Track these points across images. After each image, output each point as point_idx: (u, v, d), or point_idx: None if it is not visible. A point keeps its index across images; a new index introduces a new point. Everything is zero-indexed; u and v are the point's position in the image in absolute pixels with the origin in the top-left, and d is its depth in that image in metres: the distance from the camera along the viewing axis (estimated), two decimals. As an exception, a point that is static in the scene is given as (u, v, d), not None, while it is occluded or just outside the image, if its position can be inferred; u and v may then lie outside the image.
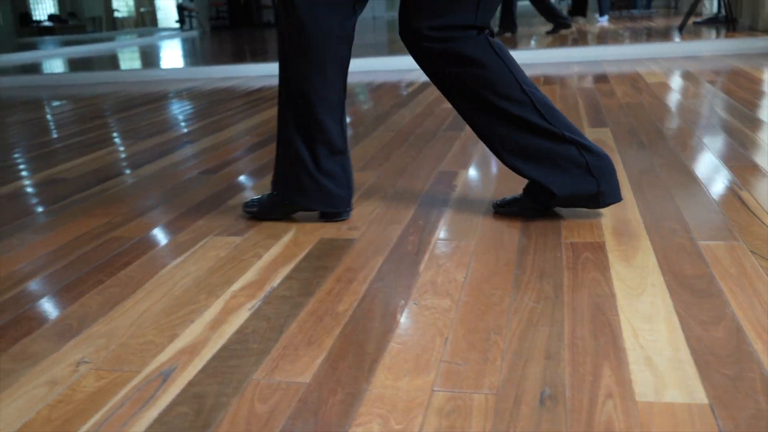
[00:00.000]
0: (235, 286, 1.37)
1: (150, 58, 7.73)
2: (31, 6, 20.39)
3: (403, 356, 1.07)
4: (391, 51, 5.94)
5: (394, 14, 14.96)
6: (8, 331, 1.24)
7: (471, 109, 1.59)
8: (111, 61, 7.59)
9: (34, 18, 20.08)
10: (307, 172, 1.65)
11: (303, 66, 1.59)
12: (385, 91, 3.89)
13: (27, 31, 19.60)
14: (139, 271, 1.48)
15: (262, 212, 1.75)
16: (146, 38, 11.78)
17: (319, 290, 1.33)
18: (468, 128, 2.69)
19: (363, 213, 1.77)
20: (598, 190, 1.57)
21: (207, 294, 1.34)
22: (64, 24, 20.21)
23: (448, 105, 3.26)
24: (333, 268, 1.43)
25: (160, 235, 1.70)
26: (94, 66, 7.11)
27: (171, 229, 1.74)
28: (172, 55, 7.89)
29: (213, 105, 3.82)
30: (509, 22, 6.83)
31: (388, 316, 1.20)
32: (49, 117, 3.79)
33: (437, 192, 1.90)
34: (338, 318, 1.21)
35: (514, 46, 5.61)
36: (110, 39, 12.45)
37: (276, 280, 1.38)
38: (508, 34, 6.85)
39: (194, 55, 7.63)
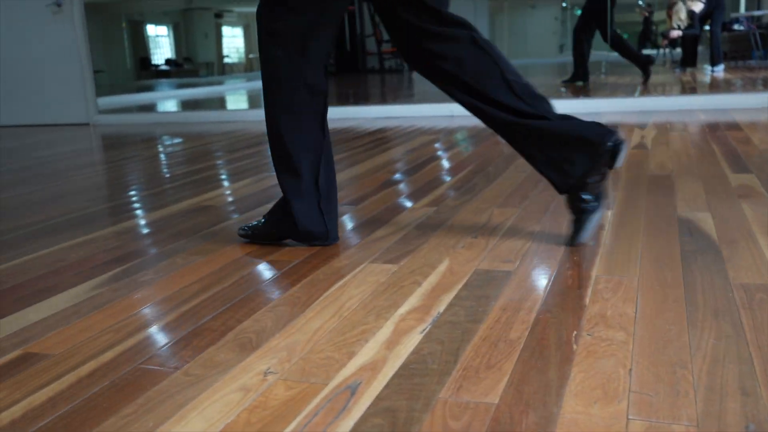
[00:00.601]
0: (401, 310, 1.39)
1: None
2: (151, 51, 21.66)
3: (588, 384, 1.06)
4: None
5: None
6: (192, 341, 1.30)
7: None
8: (225, 102, 7.93)
9: (153, 62, 21.26)
10: (282, 202, 1.86)
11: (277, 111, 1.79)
12: (506, 133, 3.91)
13: (146, 74, 20.78)
14: (305, 292, 1.53)
15: (255, 237, 1.94)
16: (254, 82, 12.27)
17: (487, 318, 1.33)
18: (602, 170, 2.66)
19: (513, 247, 1.77)
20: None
21: (375, 316, 1.37)
22: (180, 68, 21.34)
23: (575, 148, 3.24)
24: (495, 298, 1.43)
25: (316, 260, 1.75)
26: (215, 106, 7.45)
27: (325, 256, 1.80)
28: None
29: (339, 143, 3.93)
30: (582, 71, 6.72)
31: (563, 345, 1.20)
32: (176, 150, 3.99)
33: (585, 230, 1.89)
34: (513, 344, 1.21)
35: (612, 94, 5.54)
36: (220, 83, 13.03)
37: (441, 306, 1.40)
38: (579, 83, 6.75)
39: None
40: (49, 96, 6.10)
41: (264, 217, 1.94)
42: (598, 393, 1.03)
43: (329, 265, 1.71)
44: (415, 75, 11.60)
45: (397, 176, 2.81)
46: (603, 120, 4.26)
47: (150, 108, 7.49)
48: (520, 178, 2.64)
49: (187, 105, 7.91)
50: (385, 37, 15.18)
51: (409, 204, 2.31)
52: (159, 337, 1.33)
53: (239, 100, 8.40)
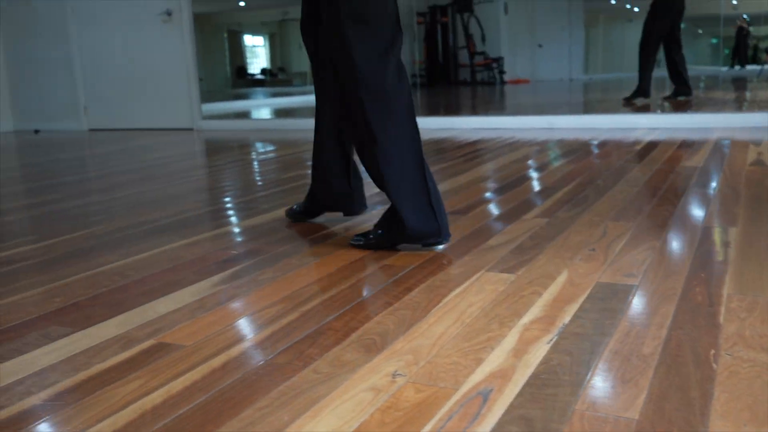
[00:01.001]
0: (525, 319, 1.37)
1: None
2: (248, 60, 22.35)
3: (734, 405, 1.01)
4: (607, 109, 5.84)
5: (592, 76, 14.76)
6: (318, 339, 1.32)
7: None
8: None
9: (249, 71, 21.92)
10: (389, 211, 1.92)
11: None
12: (611, 147, 3.82)
13: (242, 82, 21.41)
14: (424, 297, 1.53)
15: (368, 247, 1.96)
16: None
17: (615, 331, 1.30)
18: (722, 186, 2.56)
19: (634, 261, 1.72)
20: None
21: (498, 324, 1.35)
22: (274, 77, 21.90)
23: (690, 163, 3.13)
24: (621, 312, 1.39)
25: (431, 266, 1.75)
26: (309, 114, 7.58)
27: (439, 262, 1.79)
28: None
29: (439, 153, 3.93)
30: (683, 85, 6.44)
31: (701, 363, 1.15)
32: (276, 156, 4.07)
33: (709, 246, 1.82)
34: (646, 360, 1.17)
35: (721, 109, 5.32)
36: (312, 92, 13.28)
37: (565, 318, 1.37)
38: (682, 98, 6.47)
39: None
40: (157, 102, 6.35)
41: (377, 228, 1.95)
42: (747, 415, 0.99)
43: (445, 272, 1.70)
44: (507, 87, 11.55)
45: (503, 186, 2.78)
46: (714, 136, 4.12)
47: (246, 115, 7.69)
48: (632, 192, 2.56)
49: (282, 113, 8.09)
50: (479, 48, 15.13)
51: (519, 214, 2.28)
52: (284, 334, 1.35)
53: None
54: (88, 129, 6.79)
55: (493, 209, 2.38)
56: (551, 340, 1.27)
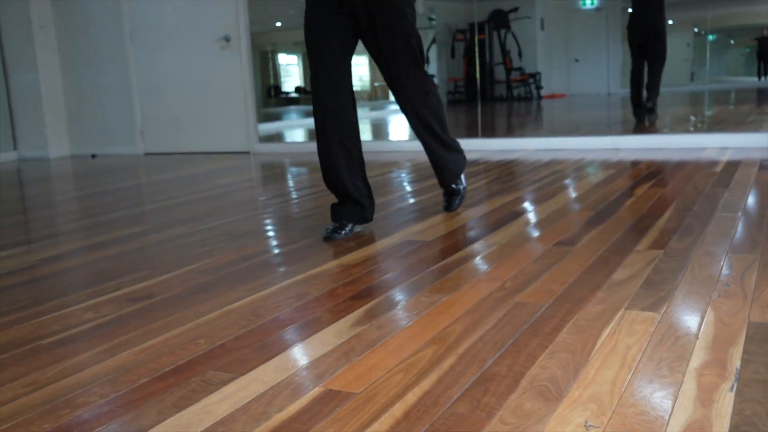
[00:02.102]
0: (693, 364, 1.35)
1: (399, 128, 8.16)
2: (282, 80, 22.61)
3: None
4: (663, 126, 5.79)
5: (627, 91, 14.66)
6: (489, 386, 1.31)
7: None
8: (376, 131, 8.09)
9: (283, 89, 22.18)
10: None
11: None
12: (690, 169, 3.78)
13: (275, 101, 21.63)
14: (575, 338, 1.52)
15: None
16: (378, 111, 12.45)
17: (795, 377, 1.27)
18: (827, 213, 2.52)
19: (776, 298, 1.69)
20: None
21: (669, 369, 1.34)
22: (308, 95, 22.07)
23: (779, 187, 3.09)
24: (791, 355, 1.37)
25: (567, 303, 1.74)
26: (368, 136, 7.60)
27: (573, 299, 1.78)
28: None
29: (512, 176, 3.91)
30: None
31: None
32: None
33: None
34: (844, 410, 1.15)
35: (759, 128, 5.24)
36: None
37: (735, 362, 1.35)
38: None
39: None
40: (213, 125, 6.42)
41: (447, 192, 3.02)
42: None
43: (585, 310, 1.68)
44: (545, 102, 11.51)
45: (598, 213, 2.76)
46: (758, 155, 4.05)
47: (281, 136, 7.73)
48: (735, 218, 2.53)
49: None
50: (515, 65, 15.13)
51: (630, 245, 2.26)
52: (449, 379, 1.34)
53: (371, 129, 8.55)
54: (144, 153, 6.88)
55: (599, 240, 2.36)
56: (732, 387, 1.25)
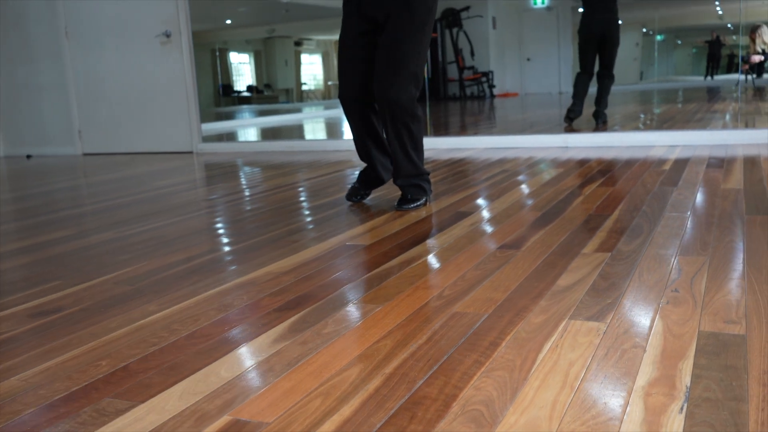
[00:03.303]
0: (640, 381, 1.23)
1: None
2: (233, 78, 22.25)
3: None
4: (611, 125, 5.75)
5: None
6: (417, 411, 1.17)
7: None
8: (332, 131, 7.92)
9: (235, 89, 21.83)
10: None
11: None
12: (639, 168, 3.71)
13: (227, 100, 21.29)
14: (515, 353, 1.39)
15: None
16: (331, 110, 12.29)
17: (749, 395, 1.16)
18: (777, 212, 2.44)
19: (728, 304, 1.59)
20: None
21: (612, 388, 1.22)
22: (260, 94, 21.78)
23: (729, 185, 3.03)
24: (745, 369, 1.26)
25: (507, 314, 1.61)
26: (293, 135, 7.43)
27: (516, 308, 1.65)
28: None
29: (460, 176, 3.80)
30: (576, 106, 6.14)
31: None
32: (295, 182, 3.93)
33: (802, 285, 1.70)
34: (803, 433, 1.04)
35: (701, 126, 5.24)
36: (297, 110, 13.11)
37: (685, 378, 1.24)
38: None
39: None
40: (155, 124, 6.19)
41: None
42: None
43: (526, 321, 1.56)
44: (498, 101, 11.48)
45: (545, 214, 2.66)
46: (739, 153, 4.02)
47: (233, 135, 7.53)
48: (685, 219, 2.44)
49: (278, 132, 7.94)
50: (468, 63, 15.10)
51: (576, 248, 2.15)
52: (376, 405, 1.20)
53: (325, 128, 8.39)
54: (82, 153, 6.61)
55: (545, 242, 2.25)
56: (682, 408, 1.13)
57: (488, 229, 2.49)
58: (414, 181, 2.94)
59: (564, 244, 2.22)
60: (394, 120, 2.87)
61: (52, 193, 4.11)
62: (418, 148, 2.96)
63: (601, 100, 5.95)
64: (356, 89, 2.98)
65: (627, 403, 1.16)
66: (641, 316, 1.55)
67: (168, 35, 5.87)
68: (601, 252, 2.09)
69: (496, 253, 2.16)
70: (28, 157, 6.71)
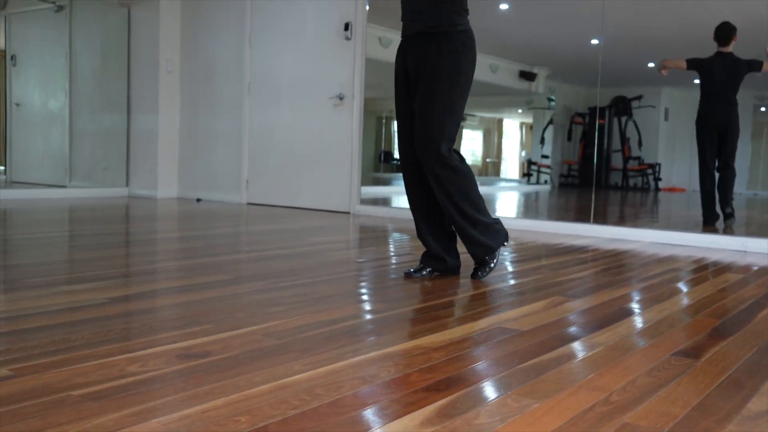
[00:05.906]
0: None
1: (524, 208, 7.85)
2: (394, 146, 22.73)
3: None
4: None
5: (757, 192, 13.80)
6: None
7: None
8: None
9: (395, 156, 22.37)
10: None
11: None
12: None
13: (386, 166, 21.80)
14: (701, 486, 1.18)
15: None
16: (487, 186, 12.18)
17: None
18: None
19: None
20: None
21: None
22: (418, 164, 22.14)
23: None
24: None
25: (683, 429, 1.40)
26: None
27: (695, 427, 1.44)
28: (545, 208, 7.94)
29: (624, 269, 3.55)
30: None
31: None
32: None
33: None
34: None
35: None
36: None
37: None
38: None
39: (581, 211, 7.57)
40: (317, 182, 6.35)
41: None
42: None
43: (711, 447, 1.34)
44: (663, 195, 10.94)
45: (725, 324, 2.38)
46: None
47: (388, 201, 7.59)
48: None
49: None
50: (634, 153, 14.62)
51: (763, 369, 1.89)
52: None
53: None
54: (246, 202, 6.89)
55: (728, 356, 1.99)
56: None
57: (658, 332, 2.26)
58: (476, 248, 2.97)
59: (751, 361, 1.95)
60: (434, 179, 2.86)
61: (215, 237, 4.25)
62: (470, 198, 2.88)
63: (725, 195, 5.54)
64: (411, 149, 2.95)
65: None
66: None
67: (341, 98, 6.05)
68: (799, 377, 1.82)
69: (670, 360, 1.93)
70: (198, 200, 7.08)
